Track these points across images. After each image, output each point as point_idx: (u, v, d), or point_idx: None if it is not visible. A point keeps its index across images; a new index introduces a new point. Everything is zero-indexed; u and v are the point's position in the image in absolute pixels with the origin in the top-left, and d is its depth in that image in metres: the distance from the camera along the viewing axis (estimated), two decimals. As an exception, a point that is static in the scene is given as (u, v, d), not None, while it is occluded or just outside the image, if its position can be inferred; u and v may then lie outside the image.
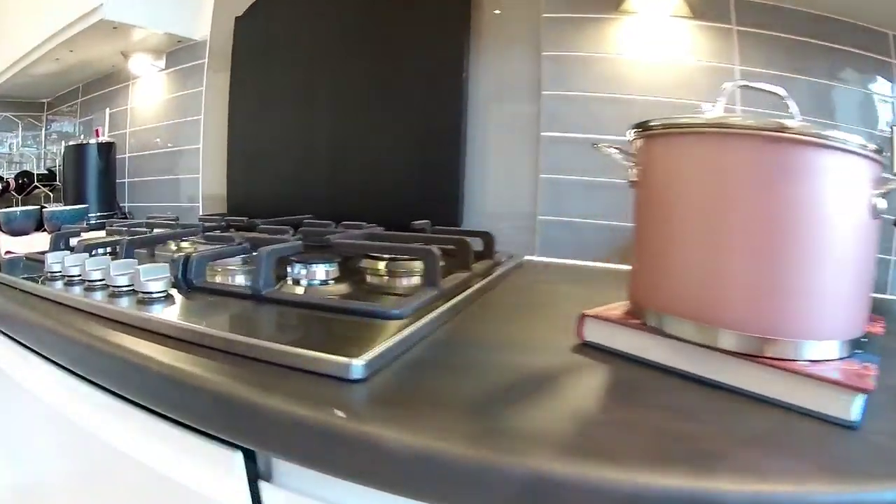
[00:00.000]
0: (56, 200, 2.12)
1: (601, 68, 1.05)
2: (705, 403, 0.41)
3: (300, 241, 0.77)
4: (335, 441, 0.37)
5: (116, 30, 1.50)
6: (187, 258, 0.71)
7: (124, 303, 0.64)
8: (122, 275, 0.69)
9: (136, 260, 0.72)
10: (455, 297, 0.66)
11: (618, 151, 0.55)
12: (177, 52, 1.70)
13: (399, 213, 1.10)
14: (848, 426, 0.37)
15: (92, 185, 1.76)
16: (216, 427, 0.45)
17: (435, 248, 0.69)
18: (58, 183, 2.22)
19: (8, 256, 1.32)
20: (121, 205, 1.87)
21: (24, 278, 0.78)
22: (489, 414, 0.38)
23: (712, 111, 0.48)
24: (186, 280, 0.70)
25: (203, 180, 1.64)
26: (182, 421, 0.48)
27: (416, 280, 0.76)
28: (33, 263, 0.95)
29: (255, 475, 0.47)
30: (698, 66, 0.99)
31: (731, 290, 0.44)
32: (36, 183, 2.14)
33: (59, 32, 1.55)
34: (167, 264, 0.70)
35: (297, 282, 0.73)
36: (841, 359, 0.43)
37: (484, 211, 1.16)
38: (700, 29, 0.99)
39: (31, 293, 0.74)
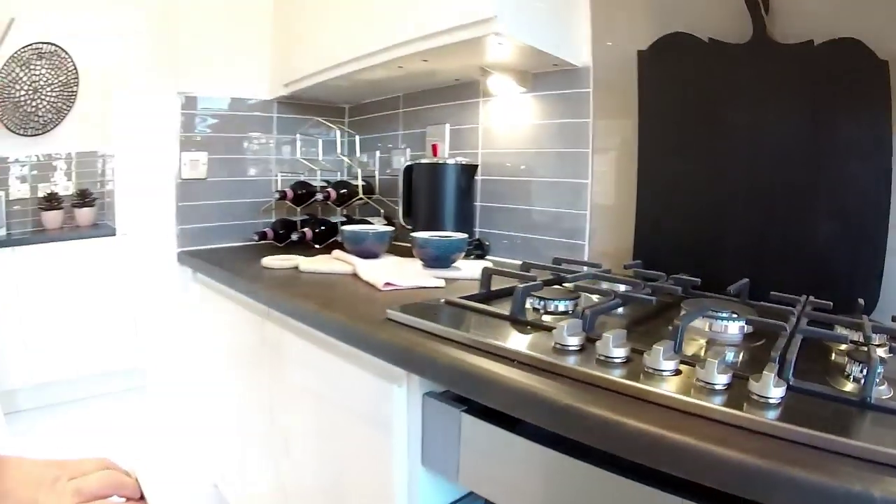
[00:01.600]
0: (382, 215, 2.23)
1: None
2: None
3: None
4: None
5: (500, 45, 1.50)
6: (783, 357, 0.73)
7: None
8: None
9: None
10: None
11: None
12: (547, 76, 1.73)
13: (813, 283, 1.20)
14: None
15: (450, 208, 1.83)
16: None
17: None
18: (376, 195, 2.33)
19: (390, 289, 1.36)
20: (474, 230, 1.93)
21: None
22: None
23: None
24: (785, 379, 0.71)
25: (592, 217, 1.65)
26: None
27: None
28: (469, 312, 1.10)
29: None
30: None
31: None
32: (361, 195, 2.25)
33: (424, 39, 1.55)
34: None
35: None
36: None
37: None
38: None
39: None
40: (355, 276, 1.56)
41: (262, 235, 2.19)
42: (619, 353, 0.81)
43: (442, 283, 1.43)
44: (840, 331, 0.92)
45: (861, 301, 1.12)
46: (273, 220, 2.33)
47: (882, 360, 0.74)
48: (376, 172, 2.41)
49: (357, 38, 1.79)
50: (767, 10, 1.29)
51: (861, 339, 0.87)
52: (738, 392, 0.70)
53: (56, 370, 3.53)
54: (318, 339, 1.29)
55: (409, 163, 1.98)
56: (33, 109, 3.91)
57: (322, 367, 1.32)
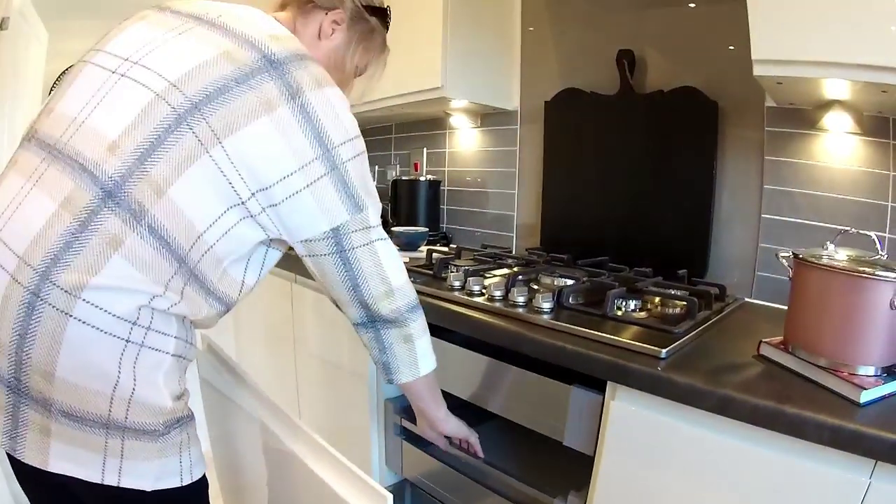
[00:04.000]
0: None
1: (808, 171, 1.52)
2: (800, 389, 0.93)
3: (624, 288, 1.38)
4: (659, 381, 0.98)
5: (448, 100, 2.18)
6: (561, 290, 1.35)
7: (524, 311, 1.31)
8: (521, 296, 1.36)
9: (525, 288, 1.40)
10: (702, 325, 1.24)
11: (784, 260, 1.08)
12: (491, 116, 2.39)
13: (666, 260, 1.71)
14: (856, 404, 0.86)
15: (422, 211, 2.53)
16: (601, 375, 1.08)
17: (695, 299, 1.29)
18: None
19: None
20: (441, 225, 2.63)
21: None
22: (714, 370, 0.97)
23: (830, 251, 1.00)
24: (560, 302, 1.34)
25: (518, 215, 2.34)
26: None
27: (678, 310, 1.33)
28: (415, 274, 1.70)
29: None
30: (860, 170, 1.44)
31: (826, 335, 0.98)
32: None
33: (401, 96, 2.22)
34: (551, 293, 1.33)
35: (619, 308, 1.32)
36: (874, 376, 0.91)
37: (723, 263, 1.70)
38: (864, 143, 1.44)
39: (453, 300, 1.45)
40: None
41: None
42: (476, 287, 1.44)
43: (406, 259, 2.09)
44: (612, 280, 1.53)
45: (684, 271, 1.64)
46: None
47: (625, 294, 1.34)
48: (375, 183, 3.06)
49: (356, 92, 2.48)
50: (633, 70, 1.82)
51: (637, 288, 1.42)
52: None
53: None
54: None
55: (394, 178, 2.67)
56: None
57: (322, 306, 1.86)
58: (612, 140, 1.91)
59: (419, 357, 1.08)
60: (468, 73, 2.14)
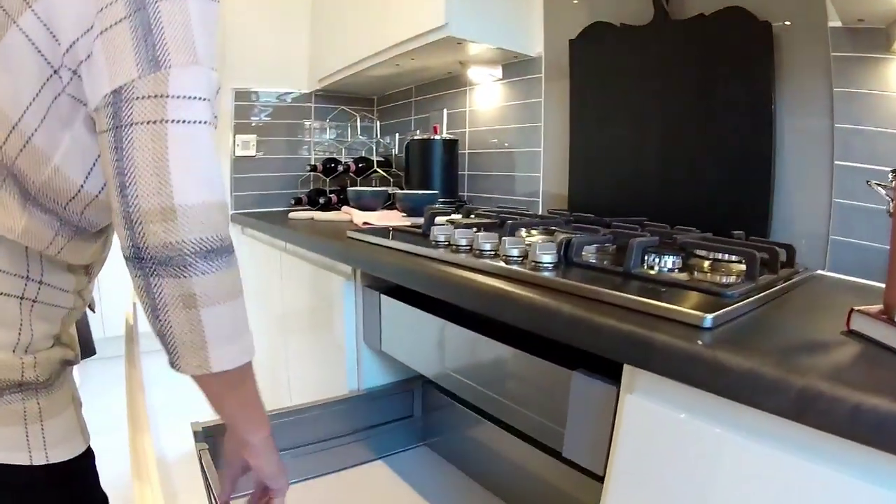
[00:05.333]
0: (395, 185, 2.64)
1: (886, 105, 1.17)
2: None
3: (657, 238, 1.03)
4: (700, 364, 0.63)
5: (459, 44, 1.89)
6: (569, 241, 1.00)
7: (518, 267, 0.98)
8: (515, 248, 1.03)
9: (524, 238, 1.06)
10: (765, 290, 0.88)
11: (882, 188, 0.76)
12: (513, 65, 2.07)
13: (717, 223, 1.35)
14: None
15: (437, 174, 2.20)
16: (613, 354, 0.73)
17: (756, 253, 0.92)
18: (392, 169, 2.76)
19: (366, 226, 1.77)
20: (460, 194, 2.30)
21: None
22: (785, 350, 0.62)
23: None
24: (567, 257, 1.00)
25: (544, 179, 1.99)
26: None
27: (731, 279, 0.97)
28: (405, 234, 1.41)
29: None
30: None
31: None
32: (376, 168, 2.69)
33: (403, 43, 1.97)
34: (554, 244, 1.01)
35: (651, 267, 0.98)
36: None
37: (786, 227, 1.33)
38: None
39: (431, 257, 1.15)
40: (351, 222, 1.96)
41: (298, 201, 2.61)
42: (462, 241, 1.15)
43: (408, 223, 1.79)
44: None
45: (741, 233, 1.29)
46: (309, 190, 2.77)
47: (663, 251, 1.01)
48: (394, 150, 2.81)
49: (360, 44, 2.23)
50: None
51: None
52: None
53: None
54: (308, 258, 1.76)
55: (407, 140, 2.37)
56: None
57: (307, 274, 1.79)
58: (646, 80, 1.58)
59: (210, 338, 0.66)
60: (478, 7, 1.84)
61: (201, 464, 1.10)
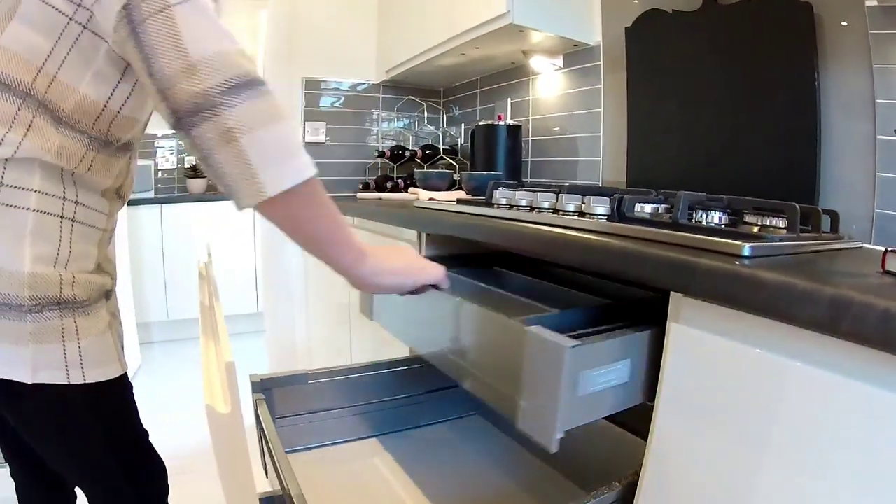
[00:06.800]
0: (461, 170, 2.74)
1: None
2: None
3: (704, 193, 1.10)
4: (739, 282, 0.70)
5: (521, 32, 1.98)
6: (621, 197, 1.09)
7: (574, 218, 1.07)
8: (571, 203, 1.12)
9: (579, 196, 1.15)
10: (805, 241, 0.93)
11: None
12: (573, 55, 2.14)
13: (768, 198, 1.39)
14: None
15: (501, 159, 2.28)
16: (659, 282, 0.81)
17: (797, 206, 0.97)
18: (458, 157, 2.86)
19: (432, 203, 1.86)
20: (523, 179, 2.39)
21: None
22: (821, 273, 0.66)
23: None
24: (619, 212, 1.09)
25: (604, 164, 2.05)
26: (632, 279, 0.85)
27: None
28: (468, 203, 1.50)
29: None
30: None
31: None
32: (442, 155, 2.80)
33: (468, 32, 2.06)
34: (607, 198, 1.10)
35: (699, 221, 1.05)
36: None
37: (832, 202, 1.35)
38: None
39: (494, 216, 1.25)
40: (417, 198, 2.06)
41: (366, 186, 2.75)
42: (523, 201, 1.26)
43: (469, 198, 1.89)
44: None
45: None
46: (377, 176, 2.90)
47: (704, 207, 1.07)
48: (460, 139, 2.92)
49: (426, 34, 2.35)
50: None
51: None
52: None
53: (187, 310, 4.23)
54: (376, 229, 1.89)
55: (472, 126, 2.46)
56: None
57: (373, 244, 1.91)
58: (697, 64, 1.63)
59: (257, 163, 0.70)
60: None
61: (257, 414, 1.16)
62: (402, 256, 0.92)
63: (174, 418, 2.84)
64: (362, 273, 0.84)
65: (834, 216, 1.19)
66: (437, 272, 0.95)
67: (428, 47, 2.36)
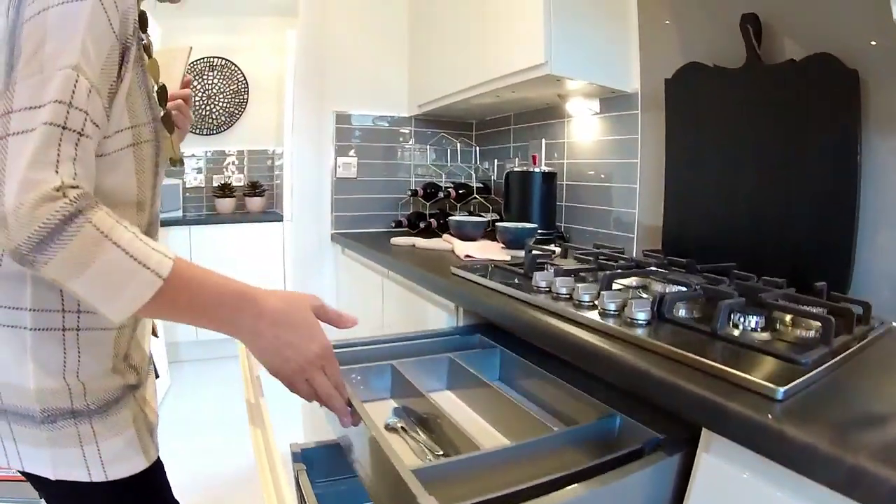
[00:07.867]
0: (494, 211, 2.77)
1: None
2: None
3: (743, 299, 1.09)
4: (767, 433, 0.71)
5: (558, 80, 1.99)
6: (662, 297, 1.09)
7: (614, 322, 1.07)
8: (612, 302, 1.13)
9: (620, 290, 1.16)
10: (839, 354, 0.93)
11: None
12: (611, 100, 2.14)
13: (802, 266, 1.42)
14: None
15: (536, 206, 2.29)
16: (693, 418, 0.81)
17: (832, 318, 0.97)
18: (491, 195, 2.88)
19: (468, 259, 1.89)
20: (557, 224, 2.40)
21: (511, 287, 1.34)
22: (846, 424, 0.69)
23: None
24: (660, 313, 1.09)
25: (639, 215, 2.05)
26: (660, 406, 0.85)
27: (811, 333, 1.03)
28: (504, 272, 1.56)
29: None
30: None
31: None
32: (475, 195, 2.82)
33: (504, 77, 2.08)
34: (649, 299, 1.10)
35: (736, 325, 1.05)
36: None
37: (869, 271, 1.36)
38: None
39: (533, 304, 1.25)
40: (452, 251, 2.08)
41: (399, 223, 2.77)
42: (563, 290, 1.24)
43: (508, 257, 1.88)
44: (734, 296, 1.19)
45: (822, 284, 1.29)
46: (409, 212, 2.92)
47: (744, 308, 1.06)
48: (493, 176, 2.92)
49: (460, 75, 2.37)
50: (760, 38, 1.54)
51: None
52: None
53: (217, 329, 4.33)
54: (412, 287, 1.89)
55: (507, 170, 2.46)
56: (207, 113, 4.73)
57: (410, 303, 1.92)
58: (737, 122, 1.63)
59: (95, 302, 0.68)
60: (577, 46, 1.94)
61: (297, 482, 1.17)
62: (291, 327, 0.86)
63: (207, 443, 2.89)
64: (247, 338, 0.83)
65: (866, 307, 1.19)
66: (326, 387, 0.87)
67: (462, 88, 2.38)
